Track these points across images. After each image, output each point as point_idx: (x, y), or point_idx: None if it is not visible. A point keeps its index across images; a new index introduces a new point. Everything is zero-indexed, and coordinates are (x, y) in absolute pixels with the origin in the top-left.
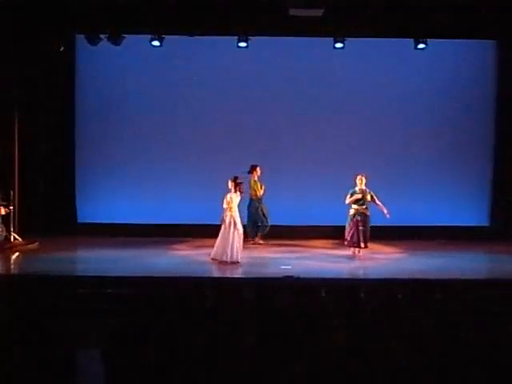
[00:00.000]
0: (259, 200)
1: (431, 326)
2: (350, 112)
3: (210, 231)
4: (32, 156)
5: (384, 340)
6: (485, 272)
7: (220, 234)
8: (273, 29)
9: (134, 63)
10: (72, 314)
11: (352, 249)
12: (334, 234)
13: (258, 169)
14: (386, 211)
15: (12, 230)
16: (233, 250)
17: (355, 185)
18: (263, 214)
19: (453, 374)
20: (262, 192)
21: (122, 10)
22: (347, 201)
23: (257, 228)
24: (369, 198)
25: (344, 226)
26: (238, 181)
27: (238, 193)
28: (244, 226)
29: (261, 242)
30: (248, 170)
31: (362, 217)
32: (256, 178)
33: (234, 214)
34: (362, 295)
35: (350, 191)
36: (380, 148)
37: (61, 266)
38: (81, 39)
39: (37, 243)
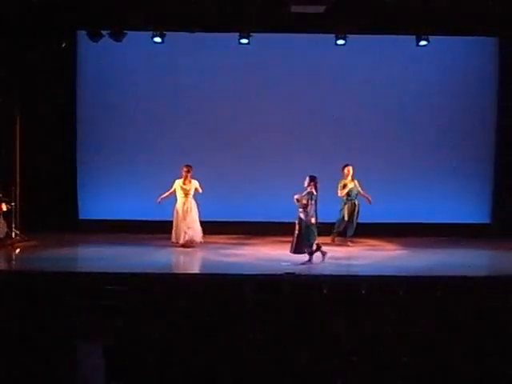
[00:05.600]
0: (344, 199)
1: (431, 323)
2: (351, 109)
3: (211, 228)
4: (33, 152)
5: (384, 337)
6: (486, 269)
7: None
8: (274, 25)
9: (136, 59)
10: (73, 311)
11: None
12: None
13: (347, 168)
14: (309, 219)
15: (13, 226)
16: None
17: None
18: (346, 213)
19: (453, 373)
20: (343, 191)
21: (123, 5)
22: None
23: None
24: (304, 201)
25: None
26: (186, 169)
27: (191, 180)
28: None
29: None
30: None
31: (298, 220)
32: (345, 177)
33: (180, 200)
34: (363, 292)
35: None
36: (381, 145)
37: (62, 263)
38: (82, 35)
39: (38, 239)
